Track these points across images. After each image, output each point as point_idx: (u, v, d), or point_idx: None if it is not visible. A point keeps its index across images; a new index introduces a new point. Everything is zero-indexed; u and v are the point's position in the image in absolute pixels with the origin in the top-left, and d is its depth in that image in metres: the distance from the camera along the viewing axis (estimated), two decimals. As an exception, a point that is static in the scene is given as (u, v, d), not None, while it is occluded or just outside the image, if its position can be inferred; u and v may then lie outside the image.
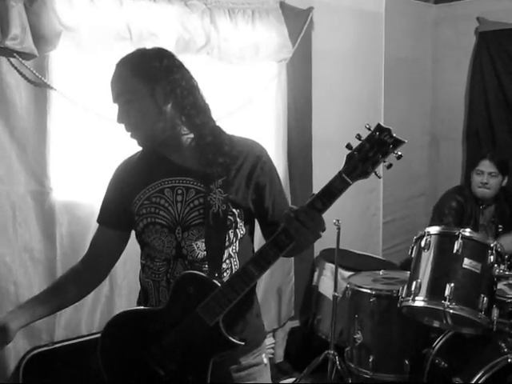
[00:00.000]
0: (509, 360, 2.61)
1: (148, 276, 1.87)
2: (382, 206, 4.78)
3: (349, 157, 1.56)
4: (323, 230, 1.62)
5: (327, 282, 3.90)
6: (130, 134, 1.80)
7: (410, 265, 2.97)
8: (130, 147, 1.90)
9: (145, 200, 1.82)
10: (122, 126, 1.79)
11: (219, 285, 1.69)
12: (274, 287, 4.00)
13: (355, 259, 4.09)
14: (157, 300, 1.85)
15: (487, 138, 4.66)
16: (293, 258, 3.99)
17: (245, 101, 3.62)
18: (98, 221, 1.97)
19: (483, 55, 4.63)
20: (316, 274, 4.14)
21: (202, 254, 1.78)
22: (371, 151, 1.53)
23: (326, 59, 4.12)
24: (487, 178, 3.66)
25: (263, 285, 3.86)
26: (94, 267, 1.96)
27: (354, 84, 4.43)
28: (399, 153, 1.54)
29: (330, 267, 3.86)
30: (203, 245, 1.77)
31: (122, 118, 1.77)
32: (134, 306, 1.95)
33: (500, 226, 3.75)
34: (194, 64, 3.21)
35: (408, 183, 4.92)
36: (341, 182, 1.55)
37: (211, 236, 1.77)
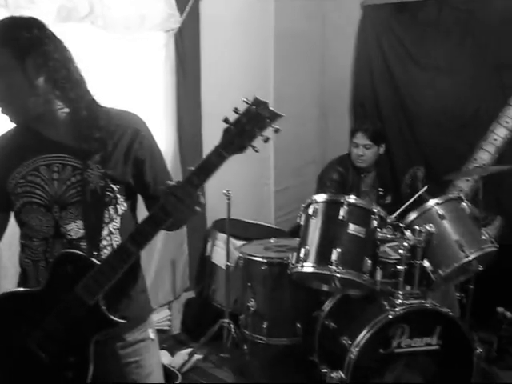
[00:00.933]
0: (389, 316, 2.75)
1: (27, 256, 1.81)
2: (273, 175, 4.86)
3: (225, 131, 1.54)
4: (200, 205, 1.61)
5: (220, 252, 3.94)
6: (0, 109, 1.71)
7: (299, 232, 3.06)
8: (2, 123, 1.81)
9: (20, 179, 1.75)
10: None
11: (97, 263, 1.66)
12: (167, 260, 3.99)
13: (247, 228, 4.15)
14: (35, 280, 1.80)
15: (372, 109, 4.82)
16: (185, 230, 4.00)
17: (131, 72, 3.54)
18: None
19: (368, 29, 4.76)
20: (209, 244, 4.17)
21: (80, 232, 1.74)
22: (248, 125, 1.52)
23: (215, 30, 4.09)
24: (362, 151, 3.80)
25: (157, 258, 3.85)
26: None
27: (243, 56, 4.44)
28: (276, 126, 1.53)
29: (222, 237, 3.90)
30: (81, 223, 1.73)
31: None
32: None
33: (380, 189, 3.93)
34: (78, 34, 3.16)
35: (299, 152, 5.02)
36: (217, 157, 1.53)
37: (89, 213, 1.73)
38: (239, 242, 3.78)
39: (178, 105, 3.87)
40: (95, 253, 1.72)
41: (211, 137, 4.18)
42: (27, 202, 1.75)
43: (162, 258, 3.92)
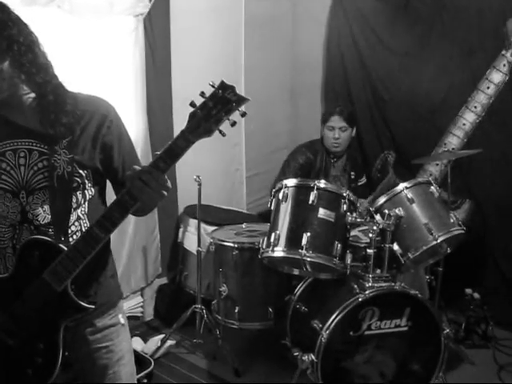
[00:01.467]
0: (359, 299, 2.77)
1: None
2: (244, 161, 4.86)
3: (192, 115, 1.54)
4: (167, 189, 1.61)
5: (192, 238, 3.93)
6: None
7: (270, 216, 3.07)
8: None
9: None
10: None
11: (65, 249, 1.66)
12: (139, 246, 3.98)
13: (219, 214, 4.14)
14: (4, 267, 1.78)
15: (343, 93, 4.83)
16: (157, 216, 3.98)
17: (100, 57, 3.49)
18: None
19: (338, 13, 4.75)
20: (181, 230, 4.16)
21: (47, 218, 1.73)
22: (214, 109, 1.52)
23: (185, 15, 4.05)
24: (338, 133, 3.81)
25: (128, 244, 3.83)
26: None
27: (214, 39, 4.41)
28: (243, 110, 1.53)
29: (194, 223, 3.89)
30: (49, 208, 1.72)
31: None
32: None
33: (352, 173, 3.95)
34: (43, 18, 3.11)
35: (270, 138, 5.02)
36: (183, 141, 1.54)
37: (56, 199, 1.71)
38: (210, 228, 3.78)
39: (147, 90, 3.84)
40: (63, 238, 1.71)
41: (182, 122, 4.16)
42: None
43: (134, 244, 3.90)
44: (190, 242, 3.99)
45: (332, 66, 4.91)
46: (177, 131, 4.30)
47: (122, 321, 1.95)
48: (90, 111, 1.76)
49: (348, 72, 4.79)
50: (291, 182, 3.02)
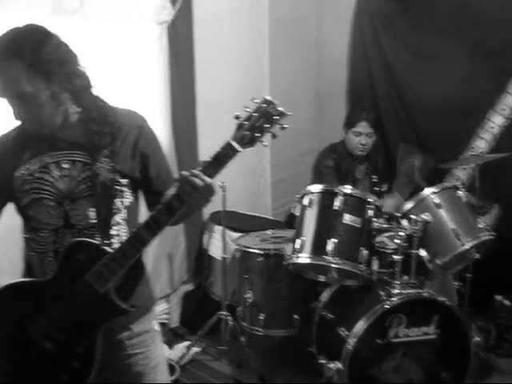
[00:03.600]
0: (386, 306, 2.74)
1: (31, 249, 1.83)
2: (269, 166, 4.84)
3: (238, 126, 1.64)
4: (214, 194, 1.70)
5: (217, 245, 3.92)
6: (25, 126, 1.75)
7: (294, 222, 3.05)
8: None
9: (27, 176, 1.79)
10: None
11: (110, 251, 1.70)
12: (164, 253, 3.98)
13: (244, 220, 4.13)
14: (42, 273, 1.82)
15: (368, 95, 4.78)
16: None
17: (124, 65, 3.50)
18: None
19: (362, 16, 4.71)
20: (206, 237, 4.15)
21: (91, 222, 1.78)
22: (258, 121, 1.64)
23: (208, 20, 4.05)
24: (365, 139, 3.77)
25: (153, 251, 3.83)
26: None
27: (238, 42, 4.39)
28: (284, 125, 1.67)
29: (219, 229, 3.87)
30: (92, 214, 1.78)
31: (19, 114, 1.71)
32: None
33: (374, 176, 3.90)
34: (69, 27, 3.13)
35: (295, 142, 4.97)
36: (230, 150, 1.63)
37: (99, 204, 1.78)
38: (236, 234, 3.77)
39: (171, 97, 3.85)
40: (106, 241, 1.76)
41: (206, 129, 4.17)
42: (36, 199, 1.79)
43: (159, 252, 3.91)
44: (215, 249, 3.98)
45: (357, 68, 4.86)
46: (201, 138, 4.31)
47: (156, 327, 1.99)
48: (128, 123, 1.85)
49: (373, 74, 4.73)
50: (316, 187, 3.01)
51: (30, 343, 1.75)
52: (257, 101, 1.66)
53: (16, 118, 1.72)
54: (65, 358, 1.75)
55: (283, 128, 1.67)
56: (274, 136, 1.67)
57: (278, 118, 1.65)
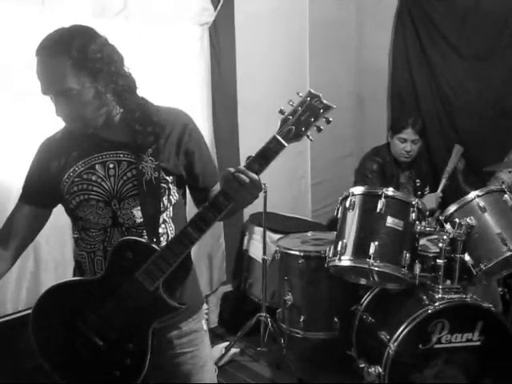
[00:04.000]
0: (429, 311, 2.70)
1: (82, 249, 1.86)
2: (309, 169, 4.82)
3: (283, 120, 1.63)
4: (261, 190, 1.68)
5: (257, 246, 3.93)
6: (67, 124, 1.77)
7: (336, 225, 3.02)
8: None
9: (75, 177, 1.81)
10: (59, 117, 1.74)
11: (158, 249, 1.71)
12: (204, 253, 3.99)
13: (284, 222, 4.13)
14: (92, 272, 1.85)
15: (410, 99, 4.73)
16: (222, 224, 4.00)
17: (166, 66, 3.54)
18: (21, 199, 1.92)
19: (404, 17, 4.66)
20: (246, 238, 4.16)
21: (138, 220, 1.80)
22: (303, 115, 1.62)
23: (249, 22, 4.08)
24: (411, 146, 3.72)
25: (194, 251, 3.79)
26: (6, 243, 1.89)
27: (278, 47, 4.40)
28: (330, 118, 1.64)
29: (259, 231, 3.88)
30: (139, 212, 1.79)
31: (61, 111, 1.71)
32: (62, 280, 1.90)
33: (418, 180, 3.85)
34: (112, 29, 3.16)
35: (335, 144, 4.96)
36: (276, 144, 1.61)
37: (146, 203, 1.79)
38: (276, 236, 3.76)
39: (213, 97, 3.87)
40: (155, 240, 1.77)
41: (247, 129, 4.18)
42: (84, 200, 1.81)
43: (199, 252, 3.92)
44: (256, 250, 3.98)
45: (398, 71, 4.81)
46: (242, 138, 4.32)
47: (205, 327, 2.00)
48: (171, 121, 1.84)
49: (414, 76, 4.68)
50: (358, 189, 2.98)
51: (82, 341, 1.78)
52: (301, 94, 1.64)
53: (57, 115, 1.72)
54: (117, 355, 1.77)
55: (329, 122, 1.65)
56: (319, 130, 1.65)
57: (322, 111, 1.63)
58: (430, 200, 3.48)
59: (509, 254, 2.79)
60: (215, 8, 3.75)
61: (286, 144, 1.61)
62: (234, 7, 3.95)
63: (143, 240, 1.76)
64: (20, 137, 2.86)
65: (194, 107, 3.71)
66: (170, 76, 3.56)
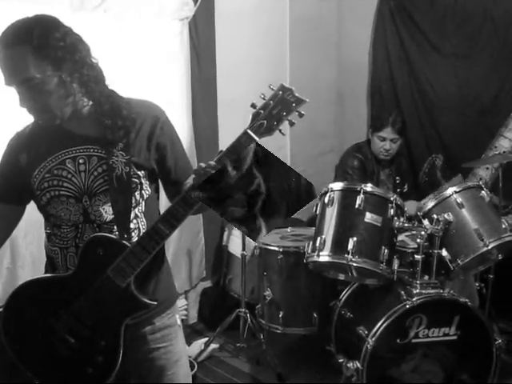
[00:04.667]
0: (407, 306, 2.71)
1: (54, 244, 1.84)
2: (289, 164, 4.81)
3: (254, 114, 1.62)
4: None
5: (236, 242, 3.92)
6: (33, 115, 1.72)
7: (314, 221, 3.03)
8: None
9: (46, 173, 1.77)
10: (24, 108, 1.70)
11: (129, 245, 1.69)
12: (183, 249, 3.98)
13: (263, 218, 4.11)
14: (64, 268, 1.82)
15: (390, 95, 4.75)
16: (202, 219, 3.99)
17: (146, 61, 3.51)
18: None
19: (385, 14, 4.67)
20: (225, 234, 4.16)
21: (109, 217, 1.77)
22: (275, 109, 1.60)
23: (229, 17, 4.06)
24: (390, 145, 3.74)
25: (173, 247, 3.84)
26: None
27: (258, 42, 4.39)
28: (302, 111, 1.61)
29: (238, 227, 3.87)
30: (110, 208, 1.76)
31: (25, 102, 1.67)
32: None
33: (397, 178, 3.87)
34: (91, 23, 3.14)
35: (315, 140, 4.96)
36: (247, 139, 1.59)
37: (117, 199, 1.76)
38: (255, 232, 3.75)
39: (193, 93, 3.85)
40: (125, 236, 1.75)
41: (227, 124, 4.15)
42: (55, 196, 1.78)
43: (179, 248, 3.91)
44: (235, 246, 3.98)
45: (378, 68, 4.83)
46: (222, 133, 4.30)
47: (179, 322, 1.99)
48: (143, 114, 1.81)
49: (394, 73, 4.70)
50: (337, 185, 2.98)
51: (54, 337, 1.76)
52: (273, 87, 1.62)
53: (22, 106, 1.67)
54: (89, 352, 1.76)
55: (301, 115, 1.62)
56: (291, 124, 1.62)
57: (295, 105, 1.60)
58: (411, 206, 3.48)
59: (485, 249, 2.82)
60: (195, 3, 3.73)
61: (257, 138, 1.59)
62: (215, 2, 3.93)
63: (114, 236, 1.74)
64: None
65: (174, 102, 3.70)
66: (149, 71, 3.53)
